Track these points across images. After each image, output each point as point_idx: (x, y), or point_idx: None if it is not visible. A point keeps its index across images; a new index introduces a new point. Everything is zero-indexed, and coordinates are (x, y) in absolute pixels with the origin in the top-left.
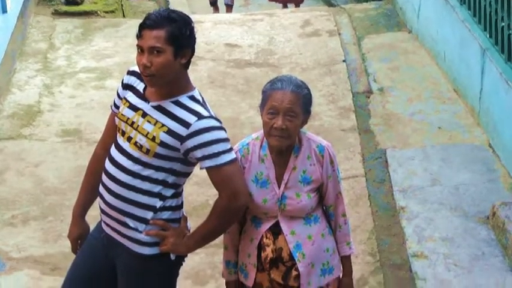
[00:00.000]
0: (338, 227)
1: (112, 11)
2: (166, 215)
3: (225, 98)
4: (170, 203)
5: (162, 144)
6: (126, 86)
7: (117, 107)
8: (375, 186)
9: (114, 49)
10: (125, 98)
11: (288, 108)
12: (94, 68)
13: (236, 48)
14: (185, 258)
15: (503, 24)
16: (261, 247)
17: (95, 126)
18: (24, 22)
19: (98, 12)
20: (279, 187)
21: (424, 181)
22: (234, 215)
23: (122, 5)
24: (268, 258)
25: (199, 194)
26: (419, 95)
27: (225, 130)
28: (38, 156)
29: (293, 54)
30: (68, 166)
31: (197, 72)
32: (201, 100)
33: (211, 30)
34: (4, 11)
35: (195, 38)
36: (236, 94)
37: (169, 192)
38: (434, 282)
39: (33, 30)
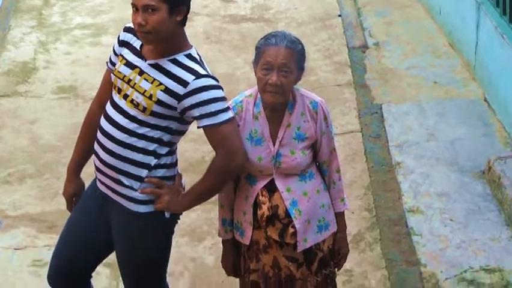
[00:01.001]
0: (332, 183)
1: None
2: (160, 172)
3: (221, 53)
4: (165, 160)
5: (159, 102)
6: (122, 43)
7: (113, 64)
8: (371, 141)
9: (109, 5)
10: (121, 55)
11: (282, 64)
12: (89, 24)
13: (231, 4)
14: (180, 216)
15: None
16: (256, 205)
17: (90, 83)
18: None
19: None
20: (274, 145)
21: (420, 136)
22: (231, 174)
23: None
24: (265, 216)
25: (195, 151)
26: (414, 50)
27: (222, 89)
28: (33, 114)
29: (288, 9)
30: (64, 123)
31: (193, 27)
32: (198, 58)
33: None
34: None
35: None
36: (232, 49)
37: (163, 150)
38: (430, 237)
39: None
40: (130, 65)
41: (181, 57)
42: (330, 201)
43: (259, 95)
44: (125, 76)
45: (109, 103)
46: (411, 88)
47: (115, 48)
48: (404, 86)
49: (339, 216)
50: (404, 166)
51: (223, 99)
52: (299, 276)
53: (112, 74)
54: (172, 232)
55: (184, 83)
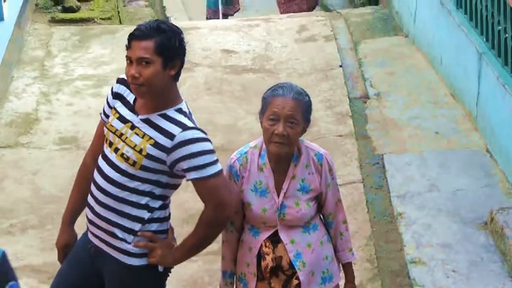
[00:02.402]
0: (339, 235)
1: (109, 18)
2: (154, 226)
3: (222, 104)
4: (158, 214)
5: (149, 156)
6: (116, 95)
7: (106, 116)
8: (373, 192)
9: (111, 56)
10: (115, 108)
11: (289, 115)
12: (91, 75)
13: (233, 54)
14: (178, 268)
15: (499, 28)
16: (260, 256)
17: (92, 134)
18: (21, 30)
19: (95, 19)
20: (278, 196)
21: (422, 187)
22: (220, 226)
23: (119, 11)
24: (269, 267)
25: (195, 201)
26: (416, 100)
27: (211, 142)
28: (35, 165)
29: (290, 60)
30: (65, 174)
31: (194, 78)
32: (187, 112)
33: (207, 36)
34: (1, 19)
35: (185, 50)
36: (233, 100)
37: (156, 203)
38: None
39: (31, 38)
40: (122, 119)
41: (170, 112)
42: (333, 253)
43: (264, 146)
44: (117, 130)
45: (100, 156)
46: (413, 139)
47: (109, 100)
48: (406, 136)
49: (348, 267)
50: (405, 217)
51: (211, 152)
52: None
53: (105, 127)
54: (164, 285)
55: (171, 135)
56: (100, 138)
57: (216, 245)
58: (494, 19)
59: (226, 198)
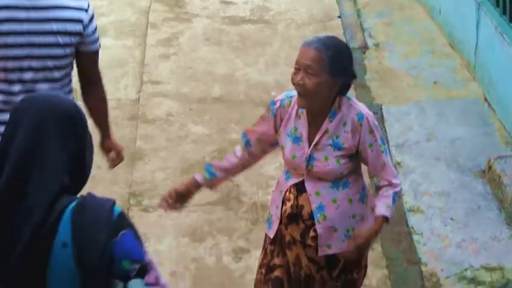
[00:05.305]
0: (384, 191)
1: None
2: None
3: (220, 55)
4: None
5: None
6: None
7: None
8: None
9: (109, 7)
10: None
11: (306, 65)
12: None
13: (231, 5)
14: (176, 218)
15: None
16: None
17: None
18: None
19: None
20: (309, 147)
21: (420, 136)
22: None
23: None
24: (286, 213)
25: (195, 152)
26: (414, 50)
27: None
28: None
29: (288, 11)
30: None
31: (192, 29)
32: None
33: None
34: None
35: None
36: (231, 51)
37: None
38: (430, 237)
39: None
40: None
41: None
42: (366, 214)
43: None
44: None
45: None
46: (411, 88)
47: None
48: (404, 86)
49: (377, 219)
50: (404, 166)
51: None
52: (318, 278)
53: None
54: None
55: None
56: None
57: (215, 195)
58: None
59: None
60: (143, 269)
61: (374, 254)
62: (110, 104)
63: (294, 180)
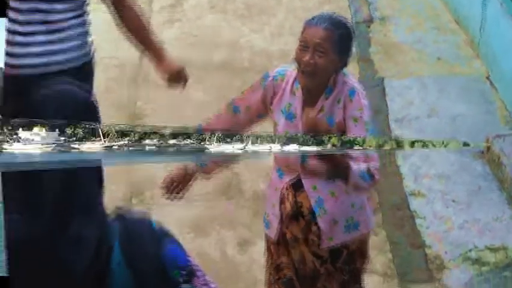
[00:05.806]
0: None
1: None
2: None
3: (226, 22)
4: None
5: None
6: None
7: None
8: (372, 115)
9: None
10: None
11: (317, 43)
12: None
13: None
14: (179, 211)
15: None
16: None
17: None
18: None
19: None
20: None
21: (421, 111)
22: None
23: None
24: (287, 213)
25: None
26: (419, 25)
27: None
28: None
29: None
30: None
31: None
32: None
33: None
34: None
35: None
36: (236, 18)
37: None
38: (433, 219)
39: None
40: None
41: None
42: (364, 202)
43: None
44: None
45: None
46: (415, 63)
47: None
48: (408, 60)
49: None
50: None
51: None
52: (324, 271)
53: None
54: None
55: None
56: None
57: (215, 185)
58: None
59: None
60: (191, 273)
61: (378, 239)
62: (112, 63)
63: (288, 177)
